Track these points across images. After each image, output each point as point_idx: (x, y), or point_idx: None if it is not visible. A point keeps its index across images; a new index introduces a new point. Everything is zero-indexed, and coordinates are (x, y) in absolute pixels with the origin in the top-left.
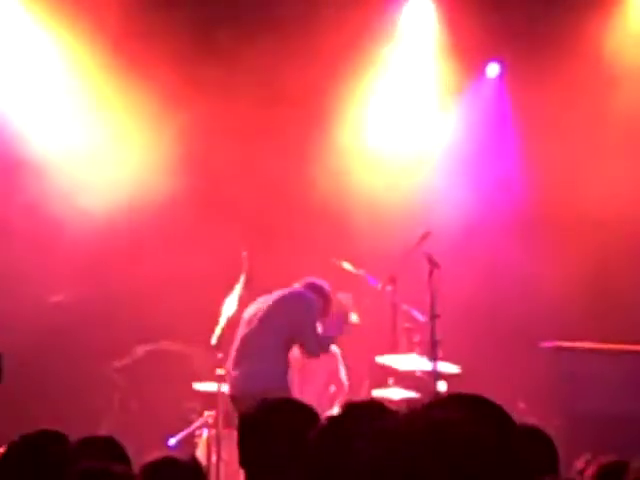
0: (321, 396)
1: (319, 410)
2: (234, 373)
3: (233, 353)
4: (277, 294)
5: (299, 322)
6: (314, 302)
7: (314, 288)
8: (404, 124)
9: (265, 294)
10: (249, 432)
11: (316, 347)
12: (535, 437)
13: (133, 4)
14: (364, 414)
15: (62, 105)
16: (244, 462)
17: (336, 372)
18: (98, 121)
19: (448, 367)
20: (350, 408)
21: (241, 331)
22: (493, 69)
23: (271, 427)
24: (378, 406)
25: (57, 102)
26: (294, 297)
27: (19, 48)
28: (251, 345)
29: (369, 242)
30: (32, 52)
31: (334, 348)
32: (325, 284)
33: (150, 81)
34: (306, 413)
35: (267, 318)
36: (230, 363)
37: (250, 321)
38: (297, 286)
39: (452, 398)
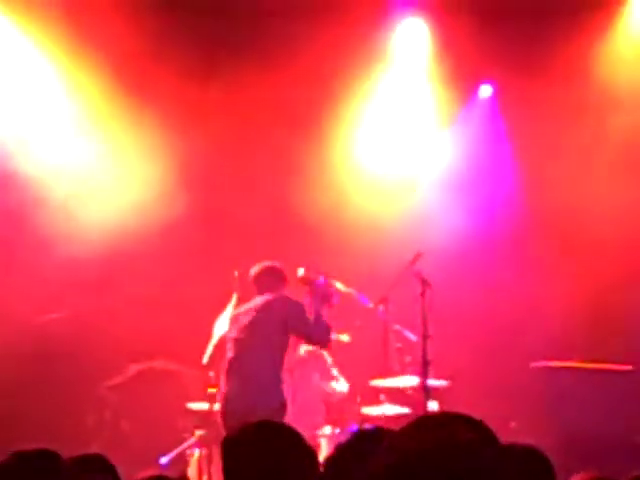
0: (317, 398)
1: (318, 413)
2: (224, 389)
3: (223, 370)
4: (256, 303)
5: (290, 318)
6: (289, 297)
7: (272, 272)
8: (399, 144)
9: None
10: (232, 455)
11: (318, 332)
12: (531, 457)
13: (134, 26)
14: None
15: (62, 125)
16: None
17: (328, 370)
18: (97, 140)
19: (439, 382)
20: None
21: (229, 350)
22: (486, 90)
23: (254, 450)
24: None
25: (57, 123)
26: (274, 301)
27: (19, 70)
28: (241, 361)
29: (362, 262)
30: (32, 74)
31: (320, 351)
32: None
33: (152, 102)
34: (289, 435)
35: (255, 329)
36: (222, 380)
37: (237, 339)
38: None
39: (440, 419)
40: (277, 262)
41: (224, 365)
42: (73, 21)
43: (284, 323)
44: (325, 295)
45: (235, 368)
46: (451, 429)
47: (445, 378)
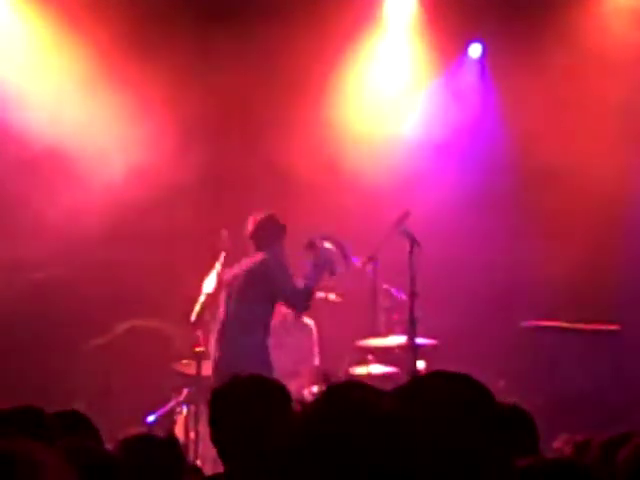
0: (293, 372)
1: (290, 386)
2: (217, 354)
3: (215, 335)
4: (245, 265)
5: (273, 285)
6: (276, 259)
7: (269, 224)
8: (388, 103)
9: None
10: (220, 408)
11: (298, 298)
12: (515, 416)
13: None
14: (347, 394)
15: (64, 82)
16: (215, 439)
17: (310, 349)
18: (98, 98)
19: (426, 341)
20: (333, 389)
21: (218, 316)
22: (475, 49)
23: (242, 403)
24: (359, 385)
25: (60, 80)
26: (258, 265)
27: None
28: (228, 328)
29: (351, 220)
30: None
31: (309, 322)
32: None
33: (155, 60)
34: (277, 389)
35: (242, 295)
36: (212, 346)
37: (226, 305)
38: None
39: (435, 376)
40: (272, 212)
41: (214, 330)
42: None
43: (268, 290)
44: (328, 265)
45: (223, 335)
46: (436, 394)
47: (433, 337)
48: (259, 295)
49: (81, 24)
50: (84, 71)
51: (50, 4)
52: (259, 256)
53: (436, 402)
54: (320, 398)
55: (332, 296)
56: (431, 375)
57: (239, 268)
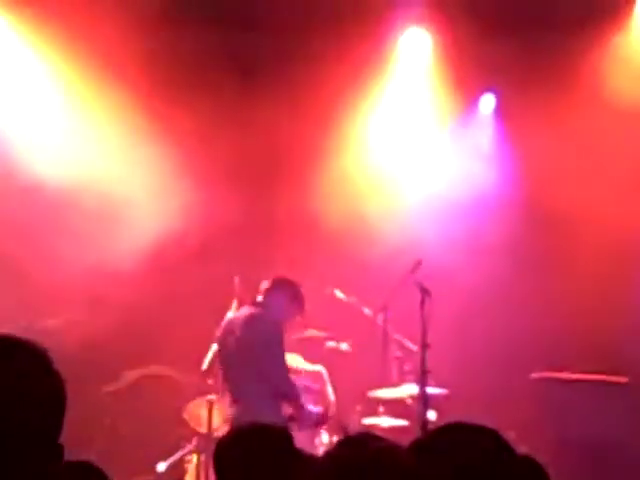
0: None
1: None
2: (230, 411)
3: (227, 392)
4: (243, 319)
5: (265, 356)
6: (278, 325)
7: (283, 286)
8: (400, 153)
9: None
10: (224, 458)
11: (285, 388)
12: (528, 466)
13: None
14: (365, 445)
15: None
16: None
17: (324, 392)
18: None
19: (438, 390)
20: (351, 439)
21: (225, 364)
22: (488, 101)
23: (246, 453)
24: (376, 437)
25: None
26: (257, 323)
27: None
28: (242, 388)
29: (363, 270)
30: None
31: (320, 368)
32: (294, 282)
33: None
34: (282, 438)
35: (247, 360)
36: (227, 400)
37: (232, 357)
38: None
39: (453, 429)
40: (294, 280)
41: (226, 384)
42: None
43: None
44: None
45: (239, 391)
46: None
47: (444, 387)
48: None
49: (124, 71)
50: (126, 119)
51: (93, 53)
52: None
53: (454, 456)
54: (338, 448)
55: (344, 346)
56: (448, 428)
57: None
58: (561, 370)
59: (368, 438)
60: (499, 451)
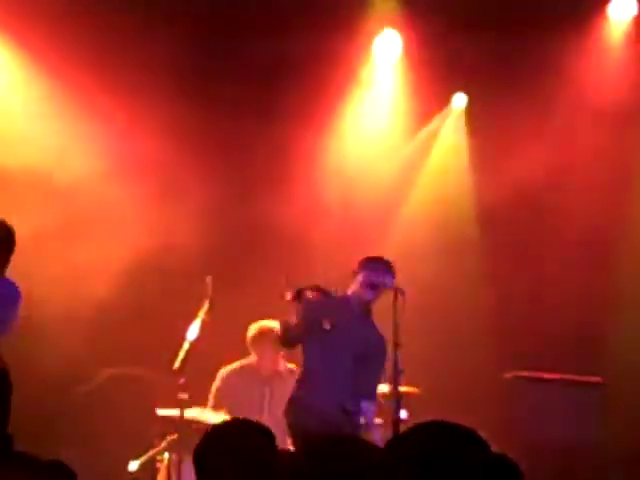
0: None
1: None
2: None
3: None
4: None
5: None
6: None
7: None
8: (372, 155)
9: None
10: (204, 456)
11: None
12: (503, 465)
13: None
14: (339, 448)
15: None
16: None
17: None
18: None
19: (409, 389)
20: (325, 441)
21: None
22: (460, 100)
23: (226, 452)
24: (351, 439)
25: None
26: None
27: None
28: None
29: (338, 269)
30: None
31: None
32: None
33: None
34: (262, 436)
35: None
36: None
37: None
38: None
39: (425, 428)
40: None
41: None
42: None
43: None
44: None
45: None
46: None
47: (415, 386)
48: None
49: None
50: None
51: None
52: None
53: (429, 453)
54: (316, 446)
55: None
56: (422, 427)
57: None
58: (535, 370)
59: (344, 438)
60: (475, 450)
